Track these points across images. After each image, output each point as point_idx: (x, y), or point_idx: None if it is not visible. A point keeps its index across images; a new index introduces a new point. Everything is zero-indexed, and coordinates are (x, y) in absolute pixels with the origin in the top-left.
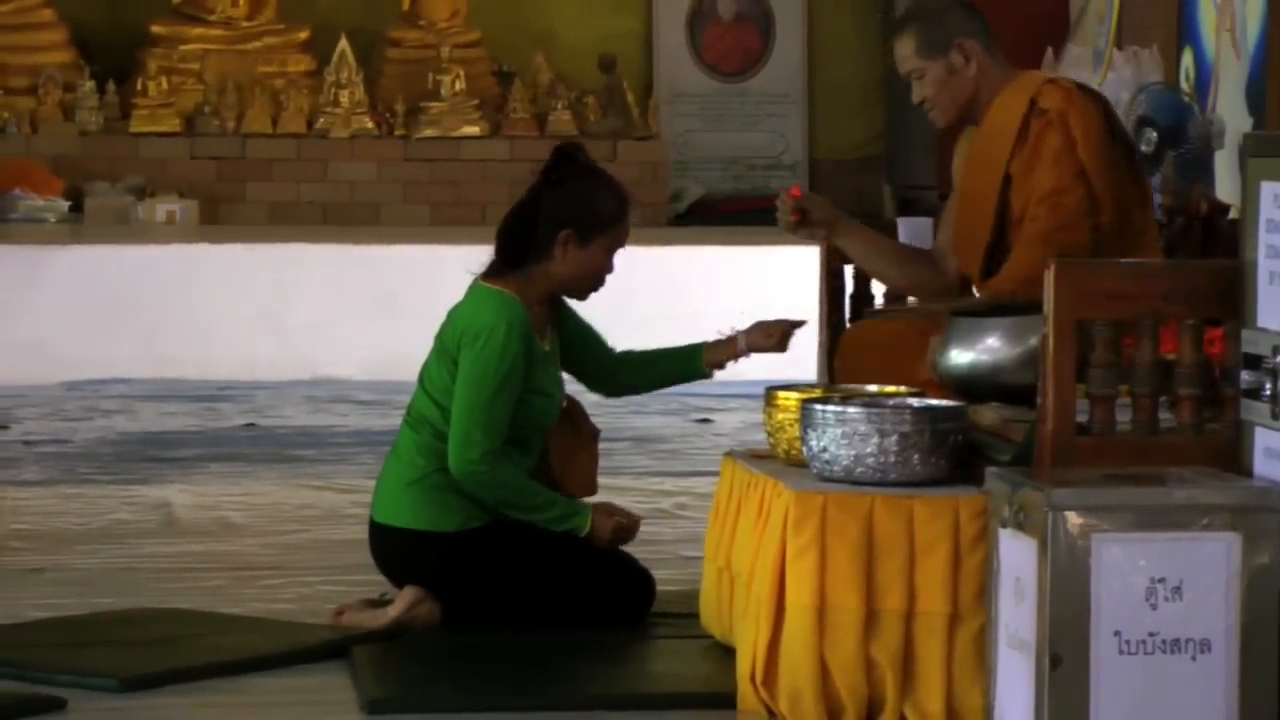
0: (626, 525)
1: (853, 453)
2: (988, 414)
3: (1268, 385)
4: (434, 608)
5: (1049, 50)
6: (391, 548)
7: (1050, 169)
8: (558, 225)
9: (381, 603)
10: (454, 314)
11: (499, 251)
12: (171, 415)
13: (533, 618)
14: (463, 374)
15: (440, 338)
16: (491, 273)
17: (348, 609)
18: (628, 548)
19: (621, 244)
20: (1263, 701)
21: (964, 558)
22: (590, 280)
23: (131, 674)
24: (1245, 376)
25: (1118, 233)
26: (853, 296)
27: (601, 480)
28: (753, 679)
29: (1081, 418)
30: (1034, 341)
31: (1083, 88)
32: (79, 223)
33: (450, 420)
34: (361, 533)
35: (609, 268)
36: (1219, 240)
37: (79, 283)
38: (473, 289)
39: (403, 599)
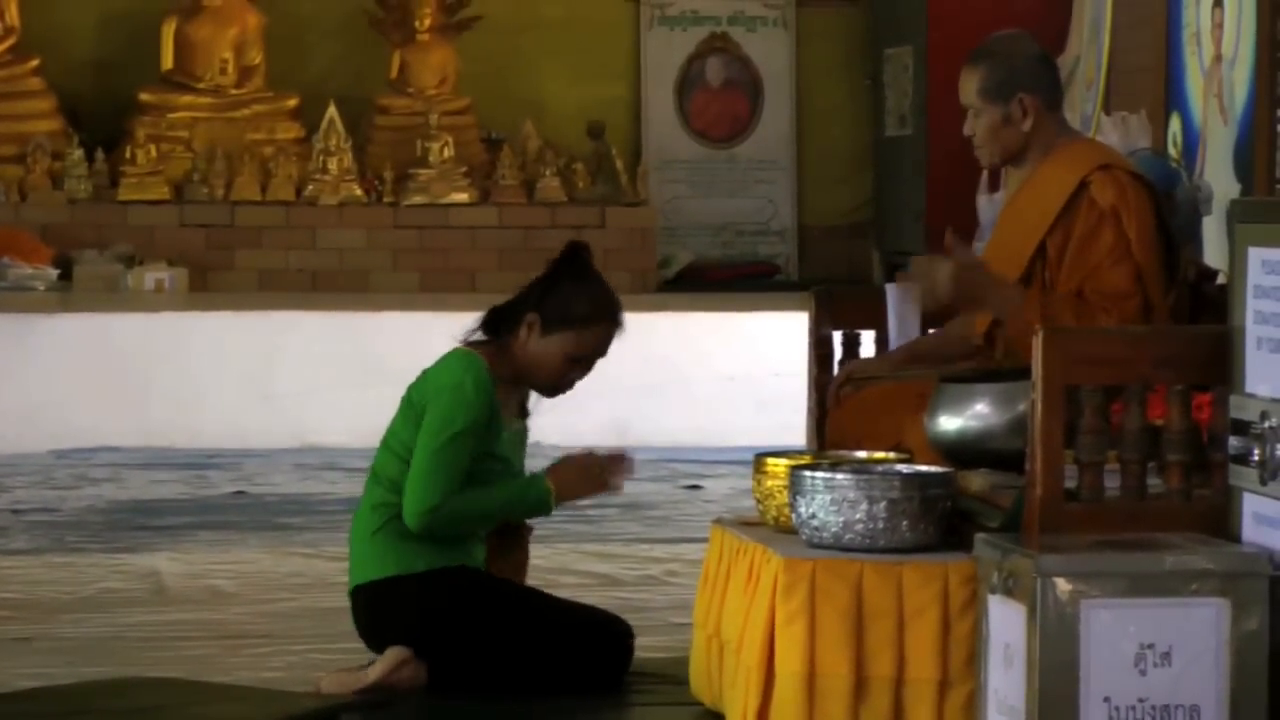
0: (592, 466)
1: (841, 519)
2: (976, 480)
3: (1256, 451)
4: (418, 670)
5: None
6: (368, 604)
7: (1111, 268)
8: (530, 308)
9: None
10: (427, 372)
11: (485, 315)
12: (160, 483)
13: (512, 659)
14: (425, 426)
15: (409, 394)
16: (471, 341)
17: (329, 677)
18: (609, 606)
19: (584, 351)
20: None
21: (953, 624)
22: (545, 375)
23: None
24: (1233, 442)
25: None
26: (841, 361)
27: (591, 547)
28: None
29: (1070, 484)
30: (1022, 407)
31: (1135, 176)
32: (68, 291)
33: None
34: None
35: (567, 370)
36: (1207, 306)
37: (68, 351)
38: (449, 352)
39: (386, 660)
